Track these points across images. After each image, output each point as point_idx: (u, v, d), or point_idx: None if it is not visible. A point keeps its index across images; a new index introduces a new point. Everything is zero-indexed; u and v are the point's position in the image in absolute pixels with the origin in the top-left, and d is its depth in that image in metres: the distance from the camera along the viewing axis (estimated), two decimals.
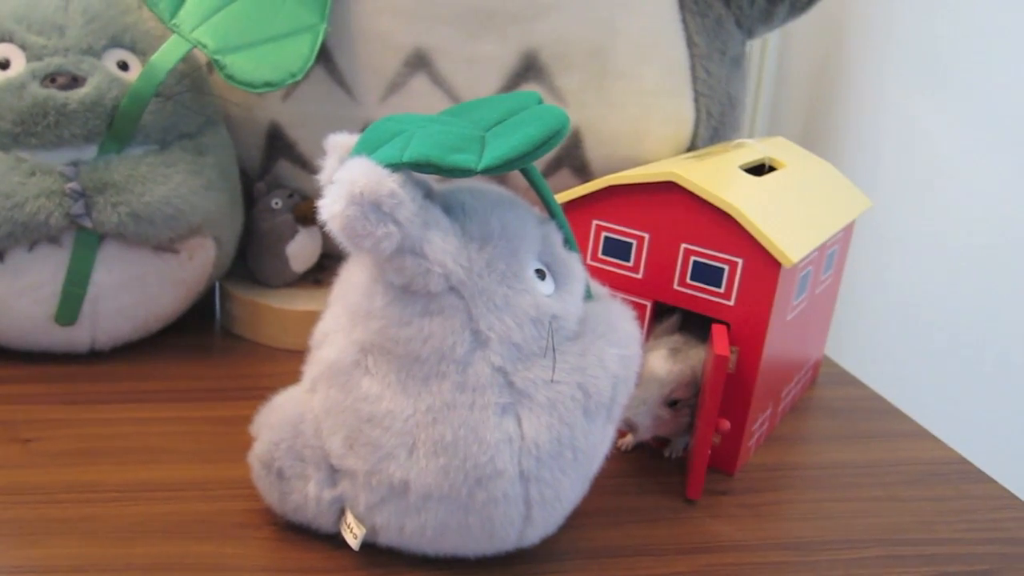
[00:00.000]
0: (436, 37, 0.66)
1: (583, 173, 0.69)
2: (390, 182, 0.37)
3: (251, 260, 0.71)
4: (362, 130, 0.42)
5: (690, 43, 0.69)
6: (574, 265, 0.44)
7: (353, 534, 0.43)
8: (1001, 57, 0.74)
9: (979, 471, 0.57)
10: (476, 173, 0.38)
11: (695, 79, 0.70)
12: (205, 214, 0.62)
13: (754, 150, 0.64)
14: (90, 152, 0.58)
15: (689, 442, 0.55)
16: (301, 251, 0.70)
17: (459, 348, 0.40)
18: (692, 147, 0.72)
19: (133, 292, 0.61)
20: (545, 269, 0.43)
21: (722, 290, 0.52)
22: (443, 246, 0.39)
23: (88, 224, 0.57)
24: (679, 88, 0.69)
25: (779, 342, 0.54)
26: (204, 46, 0.60)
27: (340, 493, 0.43)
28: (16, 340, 0.62)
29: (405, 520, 0.41)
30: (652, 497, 0.52)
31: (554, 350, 0.41)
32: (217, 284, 0.73)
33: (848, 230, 0.65)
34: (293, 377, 0.46)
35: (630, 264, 0.55)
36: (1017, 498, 0.55)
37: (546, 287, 0.42)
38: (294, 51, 0.62)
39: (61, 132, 0.57)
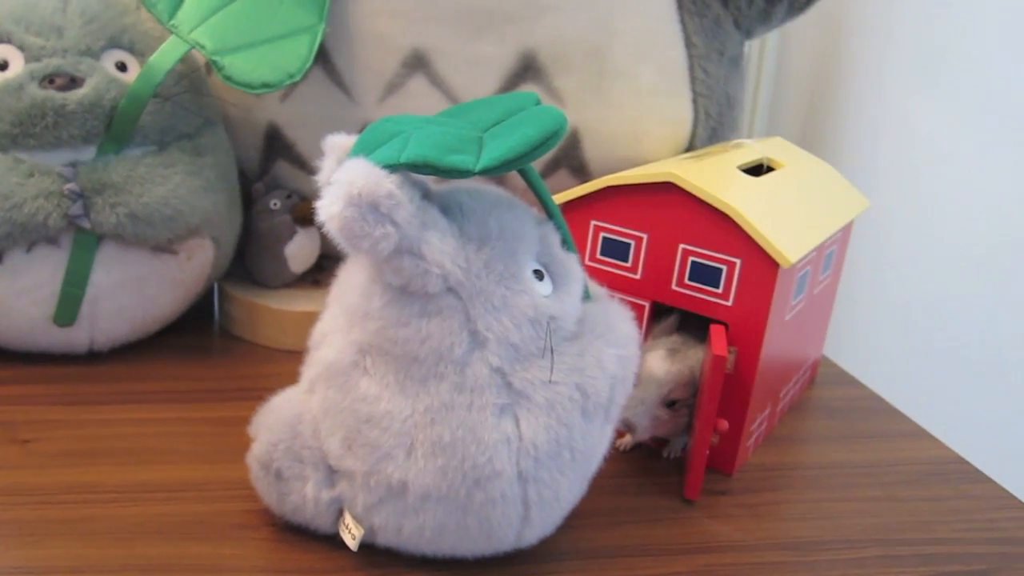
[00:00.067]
0: (434, 38, 0.66)
1: (581, 173, 0.69)
2: (388, 183, 0.37)
3: (249, 261, 0.71)
4: (360, 131, 0.42)
5: (688, 43, 0.69)
6: (572, 266, 0.44)
7: (351, 535, 0.43)
8: (999, 57, 0.74)
9: (977, 471, 0.57)
10: (474, 174, 0.38)
11: (693, 79, 0.70)
12: (204, 215, 0.62)
13: (752, 150, 0.64)
14: (88, 153, 0.58)
15: (687, 442, 0.55)
16: (299, 252, 0.70)
17: (457, 349, 0.40)
18: (690, 147, 0.72)
19: (131, 293, 0.61)
20: (543, 270, 0.43)
21: (720, 290, 0.52)
22: (441, 247, 0.39)
23: (86, 225, 0.58)
24: (677, 88, 0.69)
25: (777, 342, 0.54)
26: (202, 47, 0.60)
27: (338, 494, 0.43)
28: (15, 341, 0.62)
29: (403, 521, 0.42)
30: (650, 497, 0.52)
31: (552, 351, 0.41)
32: (215, 285, 0.73)
33: (846, 230, 0.65)
34: (291, 378, 0.46)
35: (628, 264, 0.55)
36: (1015, 498, 0.55)
37: (544, 288, 0.42)
38: (292, 52, 0.62)
39: (59, 133, 0.57)
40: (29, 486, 0.48)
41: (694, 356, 0.54)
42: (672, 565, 0.46)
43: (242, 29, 0.61)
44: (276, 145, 0.71)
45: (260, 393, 0.47)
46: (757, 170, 0.62)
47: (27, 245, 0.57)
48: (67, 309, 0.60)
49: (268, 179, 0.72)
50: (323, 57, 0.67)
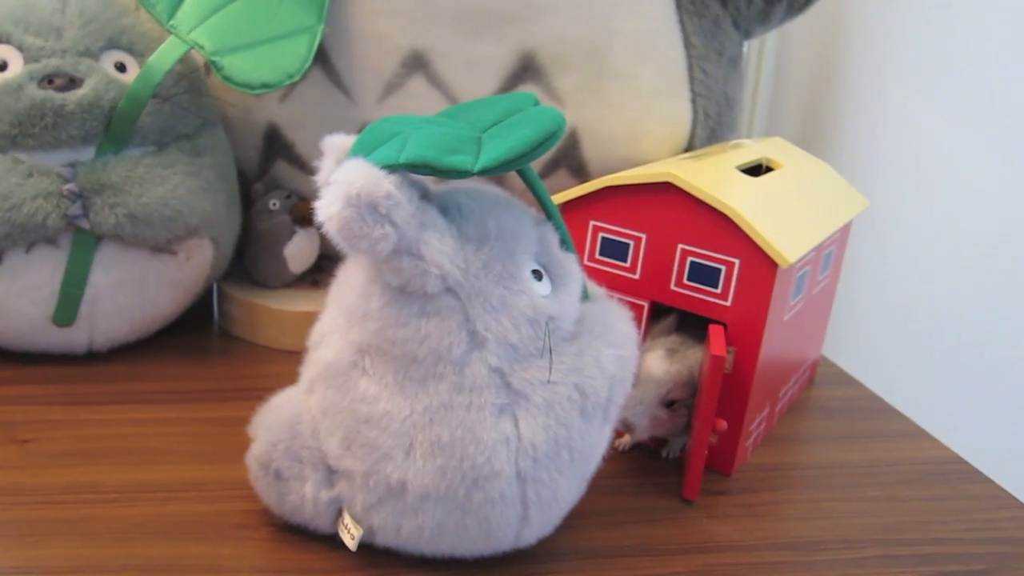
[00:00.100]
0: (433, 38, 0.66)
1: (580, 174, 0.69)
2: (387, 183, 0.37)
3: (249, 261, 0.71)
4: (359, 131, 0.42)
5: (687, 44, 0.69)
6: (571, 266, 0.44)
7: (350, 535, 0.43)
8: (999, 57, 0.74)
9: (976, 471, 0.57)
10: (472, 174, 0.38)
11: (692, 80, 0.70)
12: (203, 215, 0.62)
13: (751, 150, 0.64)
14: (88, 153, 0.58)
15: (686, 442, 0.55)
16: (299, 252, 0.70)
17: (456, 349, 0.40)
18: (689, 148, 0.72)
19: (131, 293, 0.61)
20: (542, 270, 0.43)
21: (719, 290, 0.52)
22: (440, 247, 0.39)
23: (85, 225, 0.58)
24: (676, 89, 0.69)
25: (776, 342, 0.54)
26: (201, 47, 0.60)
27: (337, 494, 0.43)
28: (14, 341, 0.62)
29: (402, 521, 0.42)
30: (649, 497, 0.52)
31: (551, 351, 0.41)
32: (215, 285, 0.73)
33: (845, 230, 0.65)
34: (291, 378, 0.46)
35: (627, 264, 0.55)
36: (1014, 498, 0.55)
37: (543, 288, 0.42)
38: (291, 52, 0.62)
39: (59, 133, 0.57)
40: (28, 486, 0.48)
41: (693, 356, 0.54)
42: (671, 565, 0.46)
43: (241, 29, 0.61)
44: (275, 145, 0.71)
45: (259, 393, 0.47)
46: (756, 170, 0.62)
47: (26, 245, 0.57)
48: (66, 309, 0.60)
49: (267, 179, 0.72)
50: (322, 57, 0.67)
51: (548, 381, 0.41)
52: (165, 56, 0.59)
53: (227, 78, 0.60)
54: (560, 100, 0.67)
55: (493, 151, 0.38)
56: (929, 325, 0.81)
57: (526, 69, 0.66)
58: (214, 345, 0.69)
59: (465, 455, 0.40)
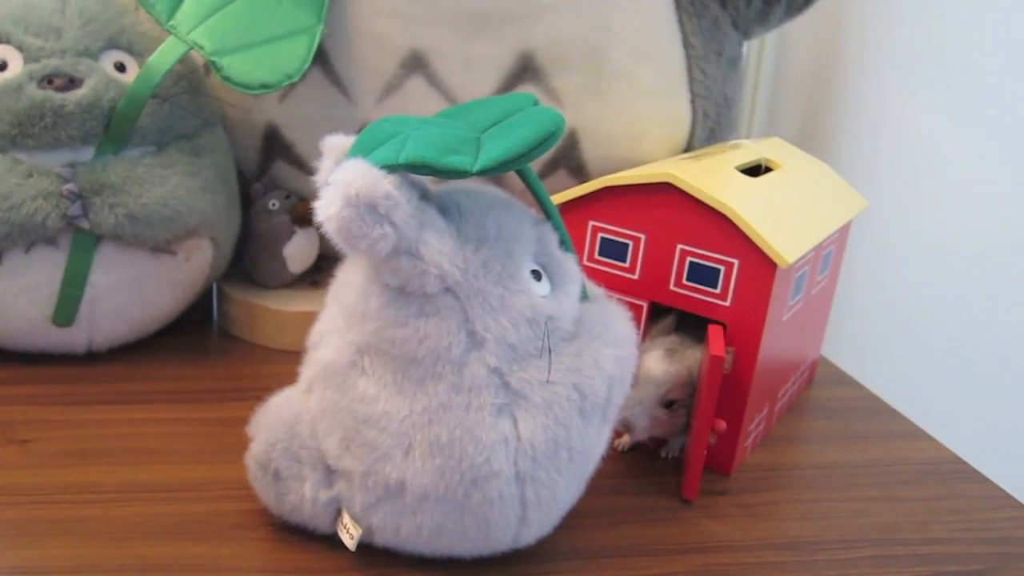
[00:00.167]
0: (433, 38, 0.66)
1: (580, 174, 0.69)
2: (386, 183, 0.37)
3: (248, 261, 0.71)
4: (358, 131, 0.42)
5: (686, 44, 0.69)
6: (570, 266, 0.44)
7: (349, 535, 0.43)
8: (998, 57, 0.74)
9: (975, 471, 0.58)
10: (472, 174, 0.38)
11: (691, 80, 0.70)
12: (202, 215, 0.62)
13: (750, 151, 0.64)
14: (87, 153, 0.59)
15: (685, 442, 0.55)
16: (298, 252, 0.70)
17: (455, 349, 0.40)
18: (689, 148, 0.72)
19: (130, 293, 0.61)
20: (541, 270, 0.43)
21: (718, 291, 0.52)
22: (439, 247, 0.39)
23: (85, 225, 0.58)
24: (675, 89, 0.70)
25: (775, 342, 0.55)
26: (201, 48, 0.60)
27: (336, 494, 0.43)
28: (13, 341, 0.62)
29: (401, 521, 0.42)
30: (648, 497, 0.52)
31: (550, 351, 0.41)
32: (214, 285, 0.73)
33: (844, 231, 0.65)
34: (290, 378, 0.46)
35: (626, 265, 0.55)
36: (1012, 498, 0.55)
37: (542, 288, 0.42)
38: (291, 53, 0.62)
39: (58, 134, 0.57)
40: (28, 486, 0.49)
41: (692, 356, 0.54)
42: (670, 565, 0.46)
43: (241, 30, 0.61)
44: (274, 146, 0.71)
45: (258, 393, 0.47)
46: (755, 171, 0.62)
47: (26, 245, 0.57)
48: (66, 309, 0.60)
49: (267, 180, 0.72)
50: (322, 58, 0.67)
51: (547, 381, 0.41)
52: (165, 56, 0.59)
53: (226, 78, 0.60)
54: (559, 100, 0.67)
55: (492, 151, 0.38)
56: (928, 325, 0.81)
57: (525, 69, 0.66)
58: (213, 345, 0.69)
59: (464, 455, 0.40)
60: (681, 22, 0.69)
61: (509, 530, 0.42)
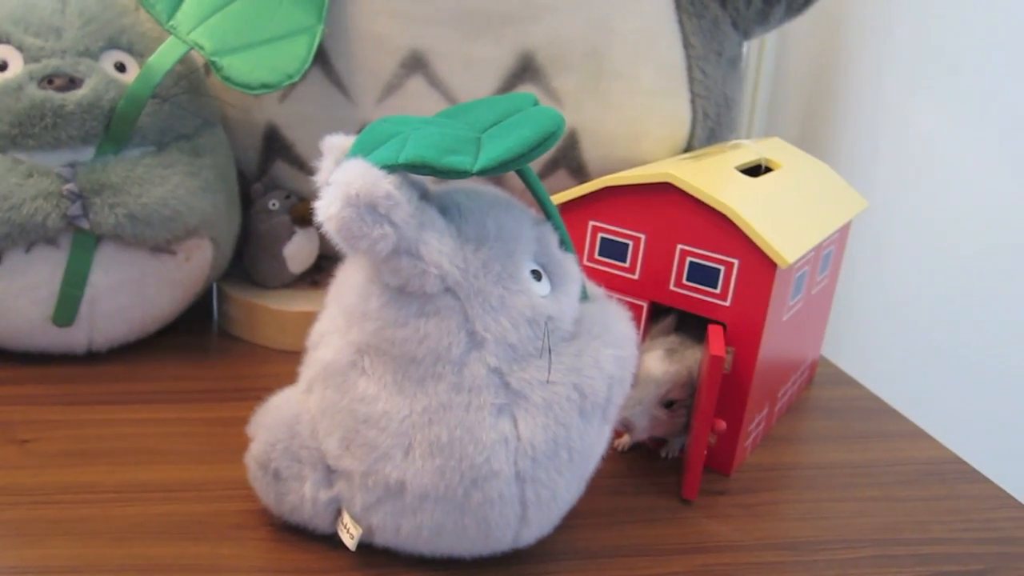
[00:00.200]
0: (433, 39, 0.66)
1: (580, 174, 0.69)
2: (386, 183, 0.37)
3: (248, 261, 0.71)
4: (359, 132, 0.42)
5: (686, 44, 0.69)
6: (570, 266, 0.44)
7: (350, 534, 0.43)
8: (998, 58, 0.74)
9: (975, 471, 0.58)
10: (472, 175, 0.38)
11: (691, 80, 0.70)
12: (202, 215, 0.62)
13: (750, 151, 0.64)
14: (87, 154, 0.59)
15: (685, 442, 0.55)
16: (298, 252, 0.70)
17: (455, 349, 0.40)
18: (689, 148, 0.72)
19: (130, 293, 0.61)
20: (541, 270, 0.43)
21: (718, 291, 0.52)
22: (439, 247, 0.39)
23: (85, 225, 0.58)
24: (675, 89, 0.70)
25: (775, 342, 0.55)
26: (201, 48, 0.60)
27: (336, 494, 0.43)
28: (13, 341, 0.62)
29: (401, 521, 0.42)
30: (648, 497, 0.52)
31: (550, 351, 0.41)
32: (214, 285, 0.73)
33: (844, 231, 0.65)
34: (290, 378, 0.46)
35: (626, 265, 0.55)
36: (1012, 498, 0.55)
37: (542, 288, 0.42)
38: (291, 53, 0.62)
39: (58, 134, 0.57)
40: (27, 486, 0.49)
41: (692, 356, 0.54)
42: (670, 565, 0.46)
43: (241, 30, 0.61)
44: (275, 146, 0.71)
45: (258, 393, 0.47)
46: (755, 171, 0.62)
47: (26, 245, 0.58)
48: (66, 309, 0.60)
49: (267, 180, 0.73)
50: (322, 58, 0.67)
51: (547, 381, 0.41)
52: (165, 56, 0.59)
53: (227, 78, 0.60)
54: (559, 101, 0.67)
55: (492, 151, 0.38)
56: (928, 325, 0.81)
57: (525, 69, 0.66)
58: (213, 345, 0.69)
59: (464, 455, 0.40)
60: (681, 22, 0.69)
61: (509, 530, 0.42)
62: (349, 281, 0.43)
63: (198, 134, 0.64)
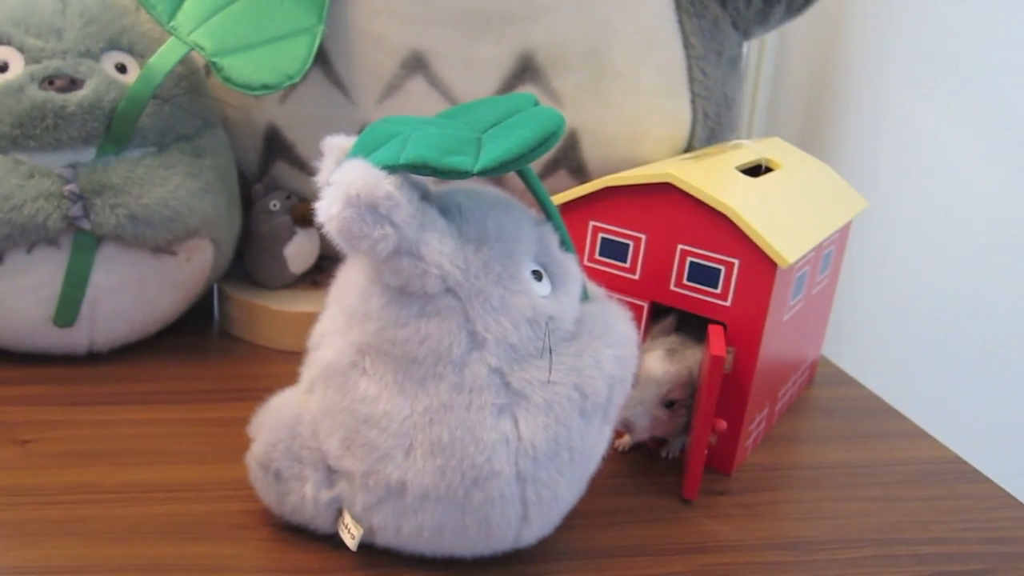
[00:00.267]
0: (433, 39, 0.66)
1: (580, 174, 0.69)
2: (386, 184, 0.37)
3: (249, 262, 0.71)
4: (359, 132, 0.42)
5: (686, 44, 0.69)
6: (570, 266, 0.44)
7: (351, 535, 0.43)
8: (998, 58, 0.74)
9: (975, 471, 0.58)
10: (472, 175, 0.38)
11: (692, 80, 0.70)
12: (203, 216, 0.62)
13: (751, 151, 0.64)
14: (88, 154, 0.59)
15: (686, 442, 0.55)
16: (299, 253, 0.70)
17: (456, 349, 0.40)
18: (689, 148, 0.72)
19: (131, 294, 0.61)
20: (541, 270, 0.43)
21: (718, 291, 0.52)
22: (440, 248, 0.39)
23: (86, 226, 0.58)
24: (676, 89, 0.70)
25: (775, 342, 0.55)
26: (202, 48, 0.60)
27: (337, 494, 0.43)
28: (14, 342, 0.62)
29: (402, 521, 0.42)
30: (649, 497, 0.52)
31: (551, 351, 0.41)
32: (215, 286, 0.73)
33: (845, 231, 0.65)
34: (291, 378, 0.46)
35: (627, 265, 0.55)
36: (1013, 498, 0.55)
37: (542, 288, 0.42)
38: (291, 53, 0.62)
39: (59, 134, 0.57)
40: (28, 486, 0.49)
41: (692, 356, 0.54)
42: (670, 565, 0.46)
43: (241, 31, 0.61)
44: (275, 146, 0.71)
45: (259, 394, 0.47)
46: (755, 171, 0.62)
47: (27, 246, 0.58)
48: (67, 310, 0.60)
49: (267, 180, 0.73)
50: (322, 58, 0.67)
51: (548, 381, 0.41)
52: (165, 57, 0.59)
53: (227, 79, 0.60)
54: (559, 101, 0.67)
55: (493, 152, 0.38)
56: (928, 325, 0.81)
57: (525, 70, 0.66)
58: (214, 346, 0.69)
59: (465, 455, 0.40)
60: (681, 22, 0.69)
61: (510, 530, 0.42)
62: (350, 281, 0.43)
63: (199, 135, 0.64)
